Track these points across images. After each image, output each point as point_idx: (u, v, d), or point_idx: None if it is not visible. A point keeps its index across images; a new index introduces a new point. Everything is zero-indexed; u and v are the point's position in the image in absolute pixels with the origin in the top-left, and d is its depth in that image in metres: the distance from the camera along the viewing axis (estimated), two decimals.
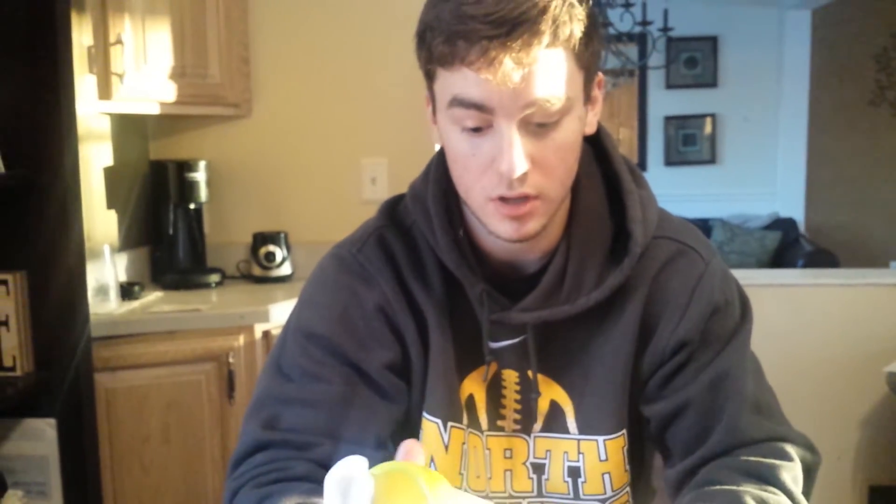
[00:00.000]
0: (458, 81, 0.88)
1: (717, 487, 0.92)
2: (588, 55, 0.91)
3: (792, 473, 0.94)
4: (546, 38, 0.86)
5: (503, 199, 0.91)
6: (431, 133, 1.01)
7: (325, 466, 0.93)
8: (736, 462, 0.95)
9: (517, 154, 0.88)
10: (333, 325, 1.02)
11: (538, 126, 0.89)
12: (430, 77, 0.94)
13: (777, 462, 0.94)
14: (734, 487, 0.91)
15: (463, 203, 1.01)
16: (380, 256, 1.04)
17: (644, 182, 1.07)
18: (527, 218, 0.93)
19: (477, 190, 0.93)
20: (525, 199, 0.91)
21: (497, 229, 0.94)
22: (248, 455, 0.96)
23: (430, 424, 1.04)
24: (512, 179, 0.88)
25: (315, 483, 0.90)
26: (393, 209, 1.10)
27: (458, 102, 0.89)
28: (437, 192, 1.03)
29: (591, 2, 0.91)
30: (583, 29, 0.89)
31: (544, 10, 0.85)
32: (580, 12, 0.88)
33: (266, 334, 2.31)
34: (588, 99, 0.95)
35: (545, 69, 0.86)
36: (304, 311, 1.06)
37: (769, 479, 0.92)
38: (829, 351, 2.77)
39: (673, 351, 1.01)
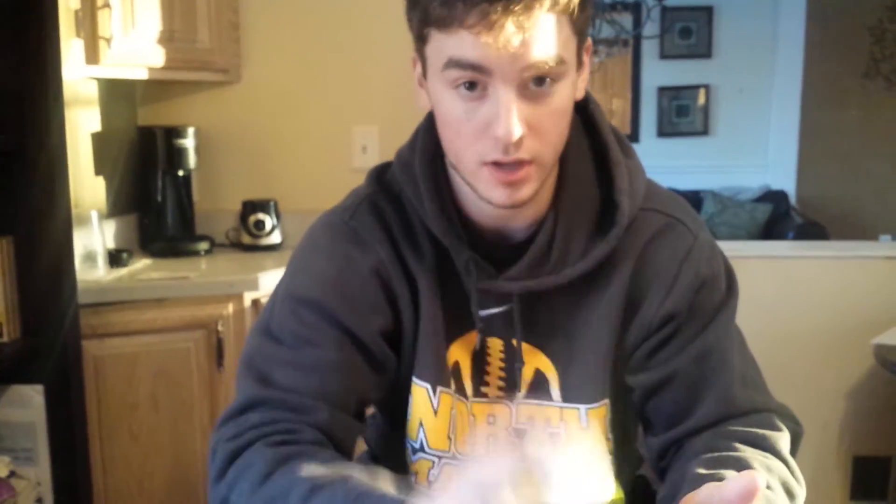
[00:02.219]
0: (455, 44, 0.87)
1: (722, 454, 0.92)
2: (582, 20, 0.91)
3: (786, 443, 0.95)
4: (547, 2, 0.85)
5: (497, 165, 0.91)
6: (417, 98, 1.00)
7: (326, 432, 0.94)
8: (729, 432, 0.96)
9: (514, 118, 0.87)
10: (327, 289, 1.01)
11: (534, 90, 0.88)
12: (422, 39, 0.92)
13: (770, 432, 0.95)
14: (739, 454, 0.91)
15: (451, 170, 1.01)
16: (373, 222, 1.04)
17: (632, 152, 1.06)
18: (520, 183, 0.92)
19: (470, 154, 0.92)
20: (519, 164, 0.91)
21: (490, 195, 0.94)
22: (243, 411, 0.95)
23: (419, 389, 1.04)
24: (508, 144, 0.88)
25: (328, 451, 0.91)
26: (381, 176, 1.09)
27: (454, 64, 0.88)
28: (425, 160, 1.02)
29: None
30: None
31: None
32: None
33: (255, 303, 2.31)
34: (580, 64, 0.94)
35: (544, 33, 0.86)
36: (295, 278, 1.05)
37: (766, 447, 0.94)
38: (818, 322, 2.78)
39: (660, 324, 1.01)
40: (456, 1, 0.85)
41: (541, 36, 0.86)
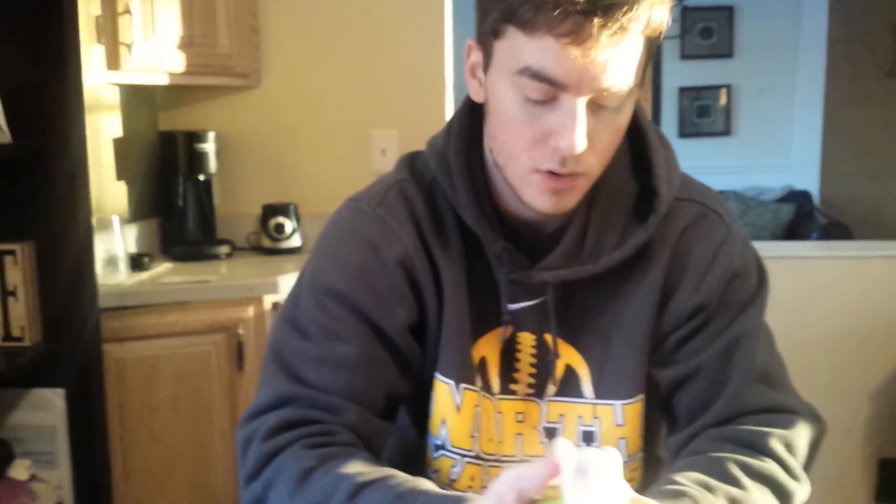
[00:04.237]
0: (537, 51, 0.84)
1: (703, 455, 0.91)
2: (661, 39, 0.90)
3: (785, 441, 0.93)
4: (642, 24, 0.84)
5: (550, 173, 0.89)
6: (469, 87, 0.97)
7: (357, 433, 0.93)
8: (729, 431, 0.95)
9: (580, 133, 0.86)
10: (352, 281, 0.99)
11: (602, 107, 0.87)
12: (495, 33, 0.88)
13: (771, 430, 0.93)
14: (719, 454, 0.90)
15: (490, 163, 0.99)
16: (401, 210, 1.02)
17: (669, 144, 1.06)
18: (568, 193, 0.92)
19: (523, 160, 0.91)
20: (572, 175, 0.90)
21: (534, 201, 0.93)
22: (273, 407, 0.94)
23: (442, 385, 1.02)
24: (568, 157, 0.87)
25: (365, 452, 0.90)
26: (412, 163, 1.07)
27: (530, 73, 0.85)
28: (460, 148, 1.01)
29: None
30: (667, 18, 0.87)
31: None
32: (668, 1, 0.86)
33: (275, 306, 2.31)
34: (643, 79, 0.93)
35: (628, 55, 0.85)
36: (321, 266, 1.03)
37: (759, 446, 0.92)
38: (842, 323, 2.75)
39: (690, 315, 1.00)
40: (548, 5, 0.81)
41: (625, 58, 0.84)
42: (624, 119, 0.91)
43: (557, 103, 0.86)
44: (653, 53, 0.90)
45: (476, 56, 0.94)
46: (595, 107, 0.86)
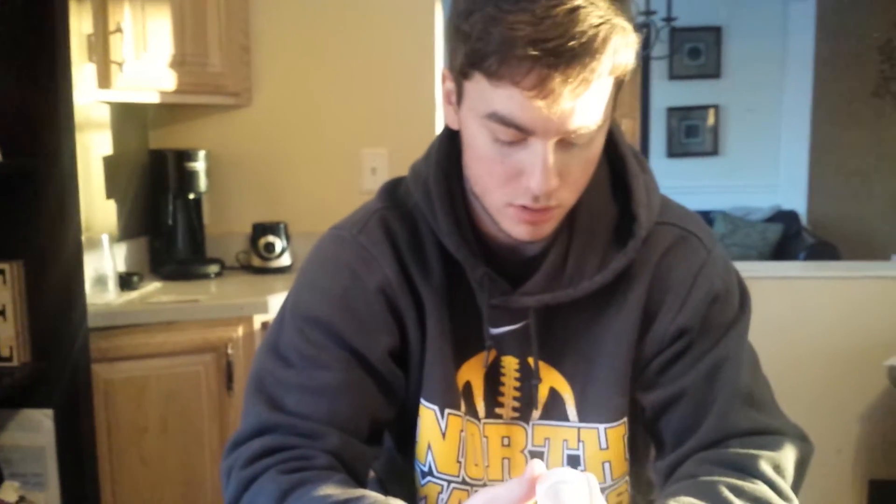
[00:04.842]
0: (503, 100, 0.84)
1: (693, 480, 0.91)
2: (629, 75, 0.89)
3: (773, 462, 0.93)
4: (605, 71, 0.84)
5: (525, 207, 0.90)
6: (445, 114, 0.98)
7: (338, 458, 0.93)
8: (718, 454, 0.95)
9: (549, 173, 0.86)
10: (333, 308, 1.00)
11: (572, 143, 0.87)
12: (463, 74, 0.89)
13: (759, 452, 0.93)
14: (710, 478, 0.90)
15: (469, 191, 1.00)
16: (381, 238, 1.02)
17: (648, 168, 1.06)
18: (544, 223, 0.93)
19: (497, 194, 0.92)
20: (546, 209, 0.91)
21: (512, 230, 0.94)
22: (253, 436, 0.95)
23: (427, 411, 1.03)
24: (539, 195, 0.88)
25: (342, 474, 0.90)
26: (393, 191, 1.08)
27: (498, 118, 0.85)
28: (439, 175, 1.01)
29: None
30: (634, 55, 0.87)
31: (605, 41, 0.82)
32: (633, 39, 0.86)
33: (265, 325, 2.30)
34: (614, 108, 0.93)
35: (594, 97, 0.85)
36: (302, 294, 1.04)
37: (747, 468, 0.92)
38: (830, 344, 2.76)
39: (672, 338, 1.00)
40: (512, 58, 0.81)
41: (591, 102, 0.84)
42: (595, 151, 0.91)
43: (526, 143, 0.87)
44: (622, 86, 0.90)
45: (450, 84, 0.94)
46: (565, 143, 0.87)
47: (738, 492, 0.89)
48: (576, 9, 0.80)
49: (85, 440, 1.97)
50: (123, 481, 2.16)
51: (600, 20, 0.81)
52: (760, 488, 0.91)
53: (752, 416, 0.98)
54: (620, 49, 0.84)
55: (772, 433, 0.97)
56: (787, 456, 0.95)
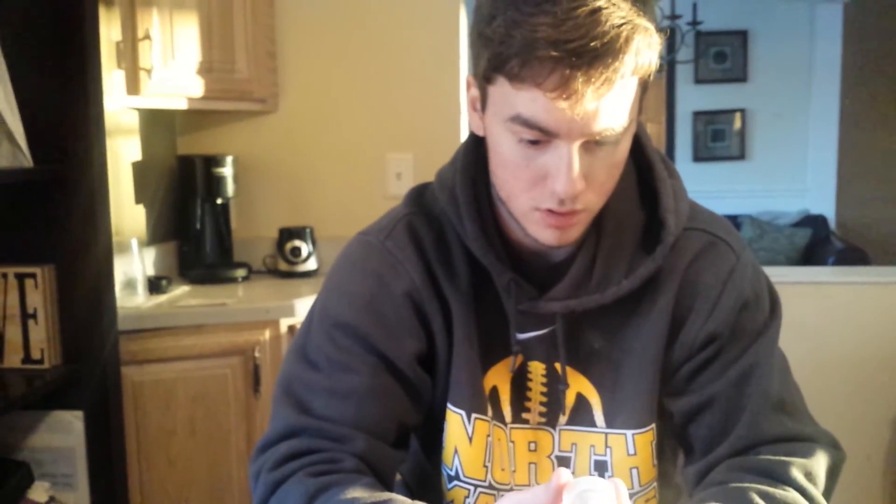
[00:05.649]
0: (526, 102, 0.84)
1: (723, 486, 0.91)
2: (653, 77, 0.89)
3: (805, 470, 0.93)
4: (628, 71, 0.84)
5: (551, 211, 0.90)
6: (470, 120, 0.99)
7: (365, 461, 0.94)
8: (749, 461, 0.94)
9: (575, 175, 0.86)
10: (361, 313, 1.00)
11: (597, 146, 0.87)
12: (486, 78, 0.89)
13: (790, 459, 0.93)
14: (741, 485, 0.90)
15: (496, 197, 1.00)
16: (408, 243, 1.03)
17: (676, 173, 1.06)
18: (570, 228, 0.93)
19: (523, 199, 0.92)
20: (573, 212, 0.90)
21: (538, 235, 0.94)
22: (281, 439, 0.96)
23: (454, 416, 1.03)
24: (565, 198, 0.88)
25: (369, 478, 0.91)
26: (420, 196, 1.09)
27: (521, 121, 0.86)
28: (465, 181, 1.02)
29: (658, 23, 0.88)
30: (657, 56, 0.87)
31: (627, 41, 0.82)
32: (656, 40, 0.86)
33: (291, 329, 2.32)
34: (640, 110, 0.93)
35: (618, 98, 0.85)
36: (330, 298, 1.04)
37: (779, 475, 0.91)
38: (860, 349, 2.73)
39: (702, 345, 1.00)
40: (534, 60, 0.82)
41: (615, 103, 0.84)
42: (621, 153, 0.91)
43: (551, 146, 0.87)
44: (648, 87, 0.90)
45: (475, 91, 0.95)
46: (590, 146, 0.87)
47: (769, 499, 0.88)
48: (597, 10, 0.80)
49: (114, 441, 2.00)
50: (151, 482, 2.18)
51: (622, 21, 0.81)
52: (792, 495, 0.90)
53: (783, 422, 0.97)
54: (643, 49, 0.84)
55: (803, 440, 0.96)
56: (819, 463, 0.94)
